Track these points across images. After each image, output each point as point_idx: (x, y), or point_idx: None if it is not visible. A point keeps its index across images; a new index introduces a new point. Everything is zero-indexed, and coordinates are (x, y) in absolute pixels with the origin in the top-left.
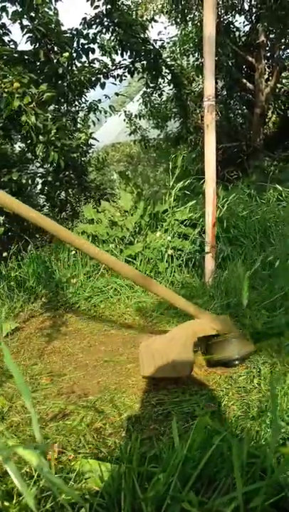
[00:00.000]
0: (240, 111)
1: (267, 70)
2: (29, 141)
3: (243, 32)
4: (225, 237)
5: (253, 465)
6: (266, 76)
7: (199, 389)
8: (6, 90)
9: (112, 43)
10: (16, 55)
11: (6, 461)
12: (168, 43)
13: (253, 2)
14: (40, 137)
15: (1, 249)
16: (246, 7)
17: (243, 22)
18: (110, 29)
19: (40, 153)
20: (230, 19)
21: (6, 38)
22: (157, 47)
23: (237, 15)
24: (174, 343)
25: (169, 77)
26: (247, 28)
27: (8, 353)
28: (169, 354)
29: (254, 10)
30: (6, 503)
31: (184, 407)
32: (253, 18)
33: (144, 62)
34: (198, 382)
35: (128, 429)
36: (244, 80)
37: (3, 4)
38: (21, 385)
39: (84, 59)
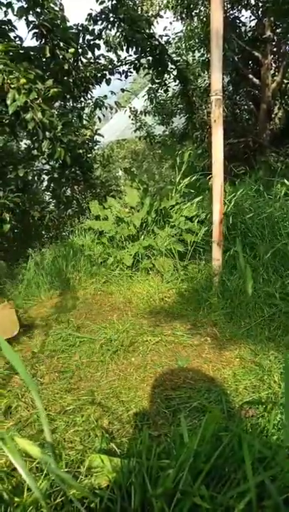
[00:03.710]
0: (246, 106)
1: (273, 65)
2: (35, 138)
3: (249, 27)
4: (232, 233)
5: (264, 460)
6: (272, 71)
7: (207, 385)
8: (12, 86)
9: (118, 39)
10: (21, 51)
11: (14, 456)
12: (173, 38)
13: None
14: (47, 133)
15: (6, 245)
16: (252, 1)
17: (250, 17)
18: (116, 25)
19: (46, 150)
20: (236, 14)
21: (11, 34)
22: (163, 42)
23: (243, 9)
24: None
25: (175, 72)
26: (253, 23)
27: (11, 350)
28: None
29: (260, 4)
30: (17, 498)
31: (192, 403)
32: (260, 12)
33: (150, 58)
34: (207, 378)
35: (136, 425)
36: (250, 76)
37: (9, 0)
38: (28, 380)
39: (90, 55)
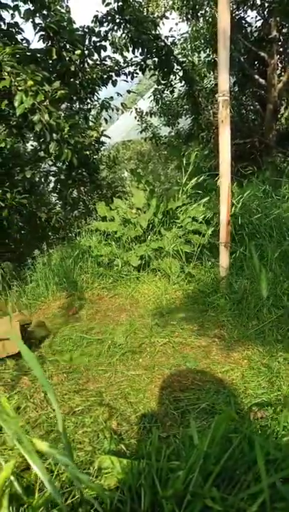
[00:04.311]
0: (252, 107)
1: (279, 65)
2: (42, 140)
3: (255, 27)
4: (239, 234)
5: (275, 462)
6: (279, 71)
7: (216, 386)
8: (19, 88)
9: (124, 41)
10: (28, 54)
11: (31, 457)
12: (179, 39)
13: None
14: (54, 135)
15: (13, 247)
16: (258, 1)
17: (255, 17)
18: (122, 26)
19: (54, 152)
20: (241, 14)
21: (18, 37)
22: (168, 43)
23: (249, 10)
24: None
25: (181, 73)
26: (259, 23)
27: (29, 351)
28: None
29: (266, 4)
30: (27, 499)
31: (200, 404)
32: (265, 12)
33: (156, 59)
34: (215, 379)
35: (144, 426)
36: (256, 76)
37: (16, 3)
38: (44, 383)
39: (96, 56)
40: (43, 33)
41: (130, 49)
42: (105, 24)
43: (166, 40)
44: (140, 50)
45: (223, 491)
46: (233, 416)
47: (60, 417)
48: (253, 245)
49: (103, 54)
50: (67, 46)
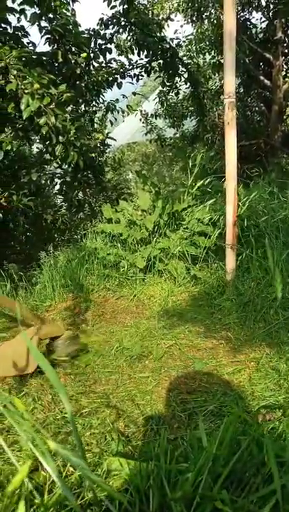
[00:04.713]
0: (257, 108)
1: (285, 66)
2: (48, 142)
3: (260, 28)
4: (246, 236)
5: (284, 464)
6: (284, 73)
7: (223, 389)
8: (26, 91)
9: (129, 43)
10: (34, 57)
11: (44, 458)
12: (184, 41)
13: None
14: (60, 138)
15: (18, 249)
16: (263, 3)
17: (260, 18)
18: (127, 29)
19: (60, 154)
20: (246, 16)
21: (25, 40)
22: (174, 45)
23: (254, 11)
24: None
25: (186, 75)
26: (264, 25)
27: (41, 356)
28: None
29: (271, 6)
30: (37, 500)
31: (207, 406)
32: (271, 14)
33: (161, 61)
34: (222, 381)
35: (152, 428)
36: (261, 77)
37: (22, 7)
38: (58, 385)
39: (101, 59)
40: (49, 36)
41: (135, 51)
42: (111, 27)
43: (171, 42)
44: (145, 53)
45: (232, 493)
46: (243, 417)
47: (72, 418)
48: (269, 244)
49: (108, 56)
50: (73, 49)
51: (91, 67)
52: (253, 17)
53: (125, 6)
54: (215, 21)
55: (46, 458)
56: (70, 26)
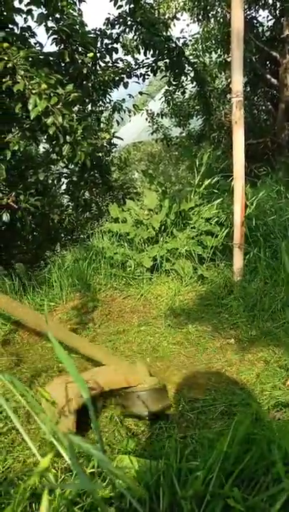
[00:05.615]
0: (264, 107)
1: None
2: (55, 142)
3: (267, 27)
4: (254, 236)
5: None
6: None
7: (231, 388)
8: (33, 92)
9: (135, 42)
10: (41, 57)
11: (65, 451)
12: (190, 40)
13: None
14: (67, 137)
15: (25, 249)
16: (270, 1)
17: (267, 16)
18: (133, 28)
19: (67, 154)
20: (253, 14)
21: (32, 41)
22: (180, 45)
23: (260, 9)
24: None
25: (192, 74)
26: (271, 23)
27: (65, 353)
28: None
29: (278, 4)
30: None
31: (216, 405)
32: (277, 12)
33: (167, 60)
34: (230, 380)
35: (160, 426)
36: (268, 76)
37: (29, 8)
38: (81, 384)
39: (108, 59)
40: (56, 36)
41: (142, 51)
42: (117, 26)
43: (177, 42)
44: (152, 52)
45: (242, 491)
46: (254, 416)
47: (93, 414)
48: (287, 243)
49: (115, 56)
50: (80, 49)
51: (98, 67)
52: (260, 15)
53: (131, 6)
54: (221, 20)
55: (66, 450)
56: (77, 26)
